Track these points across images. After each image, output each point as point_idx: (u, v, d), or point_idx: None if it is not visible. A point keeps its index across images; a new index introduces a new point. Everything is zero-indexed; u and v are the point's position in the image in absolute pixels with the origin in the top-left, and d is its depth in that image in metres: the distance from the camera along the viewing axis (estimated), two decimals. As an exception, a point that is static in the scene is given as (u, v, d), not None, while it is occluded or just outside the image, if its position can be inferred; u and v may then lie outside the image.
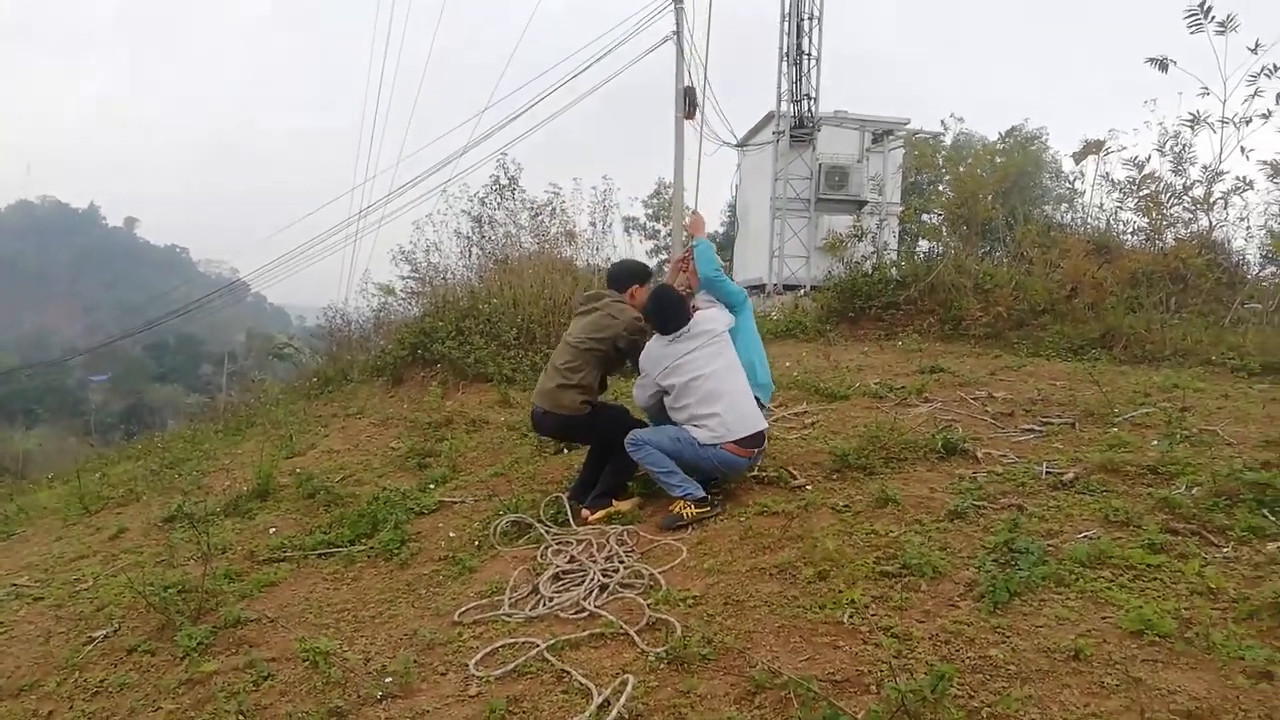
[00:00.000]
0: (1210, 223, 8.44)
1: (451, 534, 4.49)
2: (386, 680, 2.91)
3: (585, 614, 3.26)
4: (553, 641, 3.00)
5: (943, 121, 21.12)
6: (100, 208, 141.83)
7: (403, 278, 11.62)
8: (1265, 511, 3.20)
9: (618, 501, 4.43)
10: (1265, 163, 7.84)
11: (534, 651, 2.95)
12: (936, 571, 3.02)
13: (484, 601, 3.54)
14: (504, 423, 6.83)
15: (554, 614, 3.30)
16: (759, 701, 2.44)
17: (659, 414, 4.45)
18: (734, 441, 4.09)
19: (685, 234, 5.91)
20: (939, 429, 4.72)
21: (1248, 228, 8.47)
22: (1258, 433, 4.34)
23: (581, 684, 2.68)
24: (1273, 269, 8.59)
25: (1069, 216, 12.71)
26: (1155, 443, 4.22)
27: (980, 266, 9.07)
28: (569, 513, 4.42)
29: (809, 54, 14.24)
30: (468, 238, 11.30)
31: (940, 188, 15.98)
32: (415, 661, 3.01)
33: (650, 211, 28.95)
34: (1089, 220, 10.25)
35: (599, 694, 2.58)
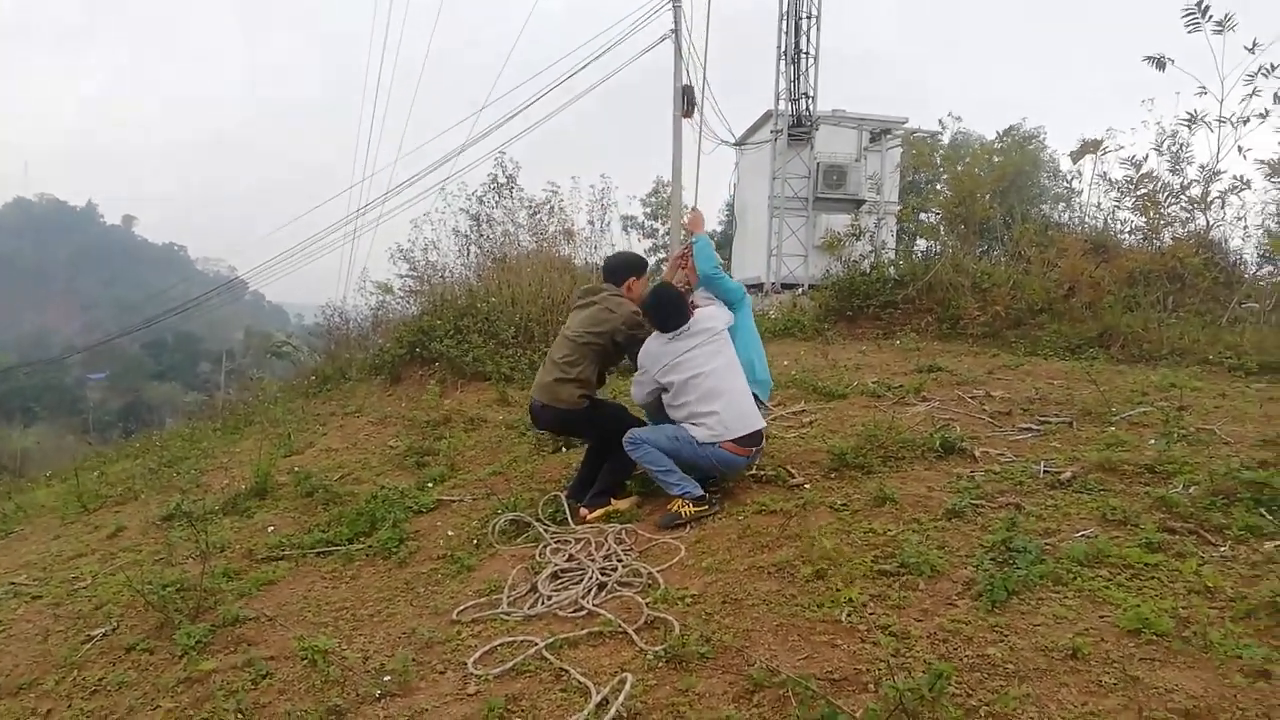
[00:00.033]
0: (1208, 222, 8.47)
1: (450, 532, 4.49)
2: (385, 679, 2.92)
3: (584, 612, 3.26)
4: (551, 640, 3.01)
5: (940, 121, 21.19)
6: (98, 206, 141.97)
7: (401, 276, 11.61)
8: (1262, 510, 3.20)
9: (616, 500, 4.43)
10: (1262, 162, 7.86)
11: (532, 650, 2.95)
12: (934, 570, 3.03)
13: (482, 600, 3.54)
14: (502, 421, 6.83)
15: (552, 612, 3.30)
16: (757, 700, 2.44)
17: (657, 411, 4.46)
18: (732, 440, 4.10)
19: (684, 231, 5.91)
20: (937, 428, 4.73)
21: (1245, 227, 8.51)
22: (1255, 432, 4.34)
23: (580, 682, 2.68)
24: (1270, 268, 8.61)
25: (1066, 216, 12.75)
26: (1153, 442, 4.22)
27: (978, 265, 9.08)
28: (567, 511, 4.42)
29: (807, 53, 14.24)
30: (466, 236, 11.30)
31: (938, 187, 16.01)
32: (414, 660, 3.02)
33: (649, 210, 28.98)
34: (1086, 219, 10.28)
35: (597, 692, 2.58)
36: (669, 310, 4.26)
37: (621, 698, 2.51)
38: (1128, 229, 9.36)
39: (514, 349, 8.41)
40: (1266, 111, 7.47)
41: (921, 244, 12.49)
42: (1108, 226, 9.59)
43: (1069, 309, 8.01)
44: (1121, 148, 9.04)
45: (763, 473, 4.44)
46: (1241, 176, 8.08)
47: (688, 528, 3.98)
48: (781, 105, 14.58)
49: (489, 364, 8.14)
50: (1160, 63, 7.66)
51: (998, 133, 22.42)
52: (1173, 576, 2.82)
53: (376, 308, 12.01)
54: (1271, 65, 7.20)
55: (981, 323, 8.18)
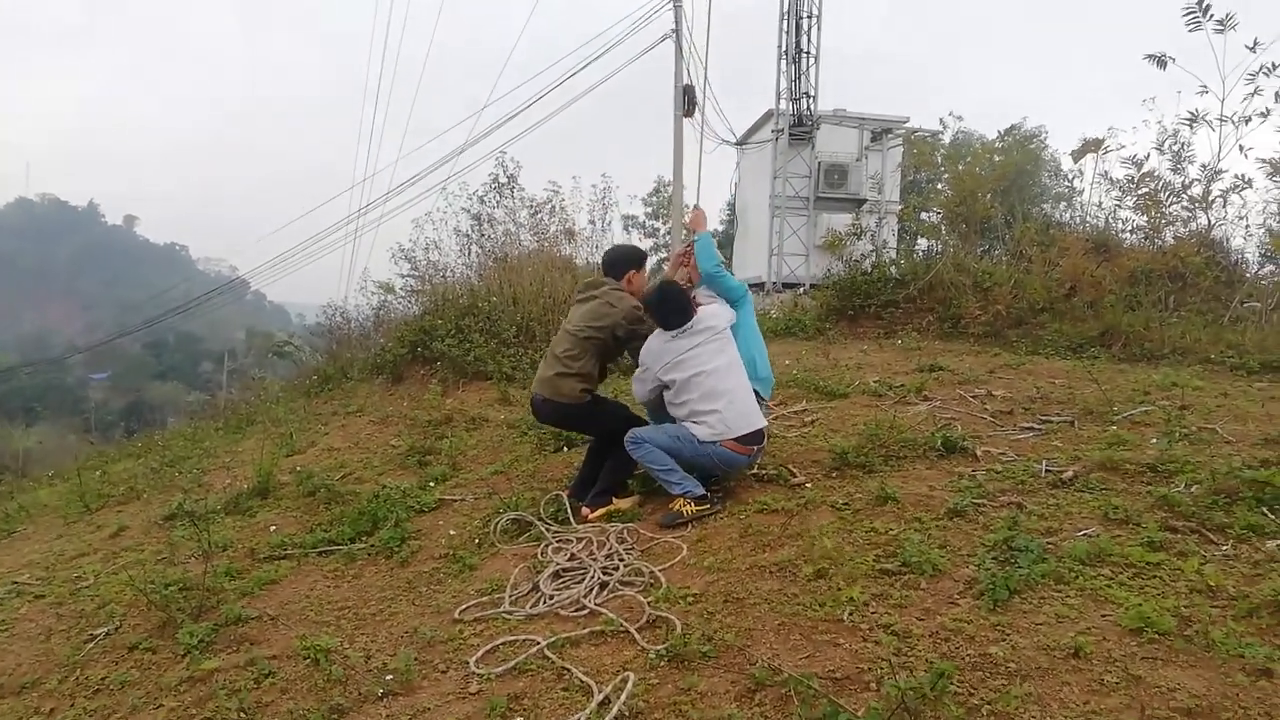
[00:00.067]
0: (1209, 221, 8.46)
1: (452, 532, 4.50)
2: (387, 678, 2.92)
3: (586, 611, 3.26)
4: (553, 639, 3.01)
5: (941, 120, 21.10)
6: (99, 205, 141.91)
7: (402, 276, 11.61)
8: (1264, 509, 3.21)
9: (618, 499, 4.43)
10: (1264, 161, 7.85)
11: (534, 649, 2.96)
12: (936, 569, 3.03)
13: (484, 599, 3.55)
14: (504, 420, 6.83)
15: (554, 611, 3.30)
16: (759, 699, 2.45)
17: (658, 409, 4.46)
18: (734, 439, 4.10)
19: (685, 230, 5.90)
20: (938, 427, 4.73)
21: (1246, 226, 8.48)
22: (1257, 431, 4.34)
23: (582, 681, 2.69)
24: (1271, 267, 8.59)
25: (1068, 215, 12.72)
26: (1154, 441, 4.22)
27: (979, 265, 9.07)
28: (569, 510, 4.42)
29: (808, 52, 14.24)
30: (467, 236, 11.29)
31: (939, 186, 16.00)
32: (416, 659, 3.02)
33: (650, 210, 28.97)
34: (1088, 219, 10.25)
35: (599, 691, 2.58)
36: (672, 308, 4.26)
37: (623, 697, 2.51)
38: (1129, 228, 9.36)
39: (515, 348, 8.41)
40: (1268, 110, 7.47)
41: (923, 243, 12.48)
42: (1109, 226, 9.57)
43: (1070, 308, 8.01)
44: (1123, 147, 9.04)
45: (764, 472, 4.44)
46: (1243, 175, 8.08)
47: (689, 527, 3.98)
48: (782, 104, 14.58)
49: (490, 363, 8.14)
50: (1161, 61, 7.66)
51: (999, 132, 22.40)
52: (1175, 575, 2.82)
53: (378, 307, 12.02)
54: (1273, 64, 7.20)
55: (983, 322, 8.17)
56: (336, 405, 8.91)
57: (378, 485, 5.40)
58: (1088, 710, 2.17)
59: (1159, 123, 8.60)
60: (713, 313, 4.34)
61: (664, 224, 26.93)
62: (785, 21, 14.17)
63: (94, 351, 55.19)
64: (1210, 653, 2.36)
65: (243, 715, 2.81)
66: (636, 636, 2.95)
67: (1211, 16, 7.35)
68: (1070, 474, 3.83)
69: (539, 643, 2.99)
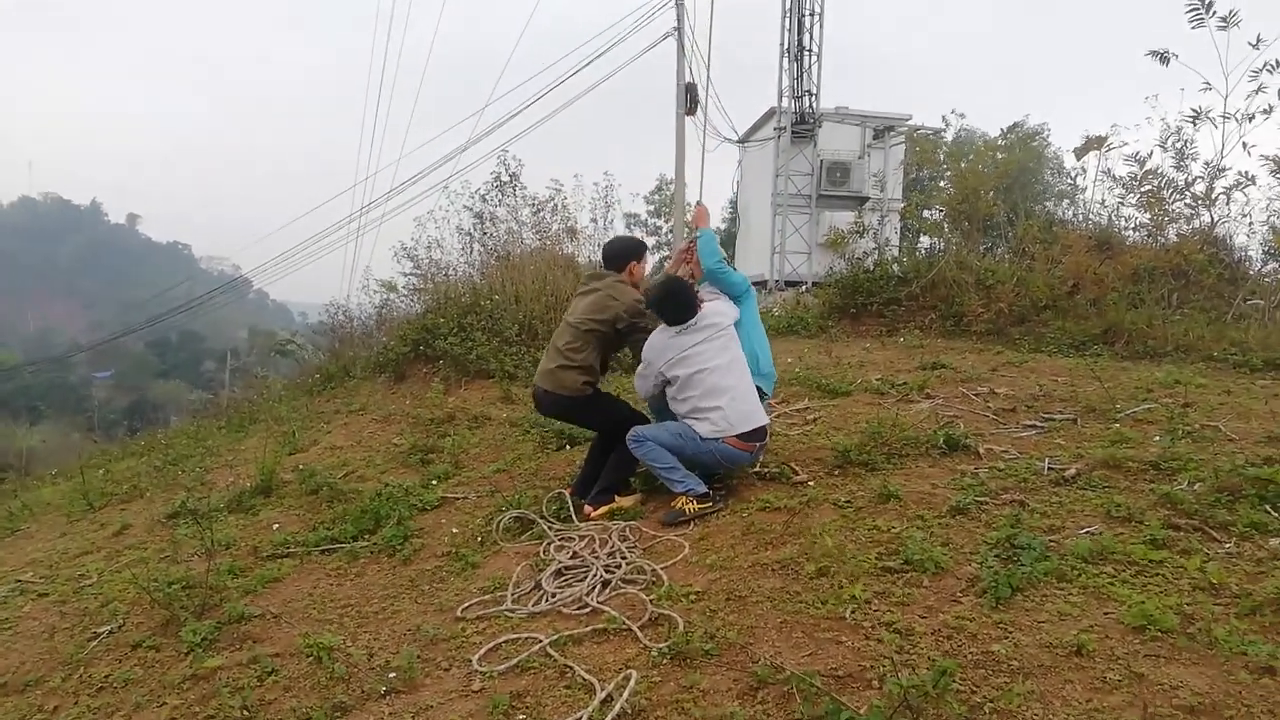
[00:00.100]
0: (1212, 218, 8.43)
1: (454, 530, 4.50)
2: (390, 675, 2.93)
3: (588, 609, 3.26)
4: (555, 637, 3.01)
5: (944, 117, 21.05)
6: (102, 204, 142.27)
7: (405, 274, 11.63)
8: (1267, 507, 3.20)
9: (620, 498, 4.43)
10: (1267, 158, 7.82)
11: (537, 647, 2.96)
12: (938, 567, 3.03)
13: (487, 597, 3.55)
14: (506, 419, 6.83)
15: (557, 609, 3.31)
16: (761, 697, 2.45)
17: (661, 406, 4.46)
18: (736, 436, 4.10)
19: (687, 228, 5.89)
20: (941, 425, 4.73)
21: (1250, 224, 8.43)
22: (1260, 428, 4.33)
23: (584, 679, 2.69)
24: (1275, 265, 8.56)
25: (1070, 212, 12.66)
26: (1157, 439, 4.22)
27: (982, 263, 9.05)
28: (571, 508, 4.43)
29: (810, 50, 14.23)
30: (469, 234, 11.30)
31: (942, 184, 15.95)
32: (418, 657, 3.02)
33: (652, 208, 28.95)
34: (1091, 216, 10.22)
35: (602, 689, 2.58)
36: (676, 303, 4.26)
37: (626, 694, 2.51)
38: (1132, 226, 9.32)
39: (518, 347, 8.41)
40: (1270, 107, 7.44)
41: (925, 241, 12.43)
42: (1112, 223, 9.54)
43: (1073, 306, 7.99)
44: (1126, 144, 8.99)
45: (767, 470, 4.44)
46: (1246, 173, 8.04)
47: (692, 525, 3.99)
48: (785, 102, 14.56)
49: (493, 361, 8.15)
50: (1164, 58, 7.63)
51: (1001, 129, 22.36)
52: (1177, 573, 2.82)
53: (380, 306, 12.04)
54: (1276, 61, 7.16)
55: (985, 320, 8.16)
56: (339, 404, 8.92)
57: (380, 483, 5.41)
58: (1090, 708, 2.17)
59: (1162, 120, 8.57)
60: (716, 309, 4.34)
61: (666, 222, 26.91)
62: (787, 19, 14.16)
63: (97, 350, 55.34)
64: (1213, 650, 2.36)
65: (246, 713, 2.82)
66: (639, 634, 2.96)
67: (1214, 13, 7.32)
68: (1073, 472, 3.82)
69: (541, 640, 2.99)
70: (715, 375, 4.14)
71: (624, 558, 3.69)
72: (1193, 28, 7.42)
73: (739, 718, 2.33)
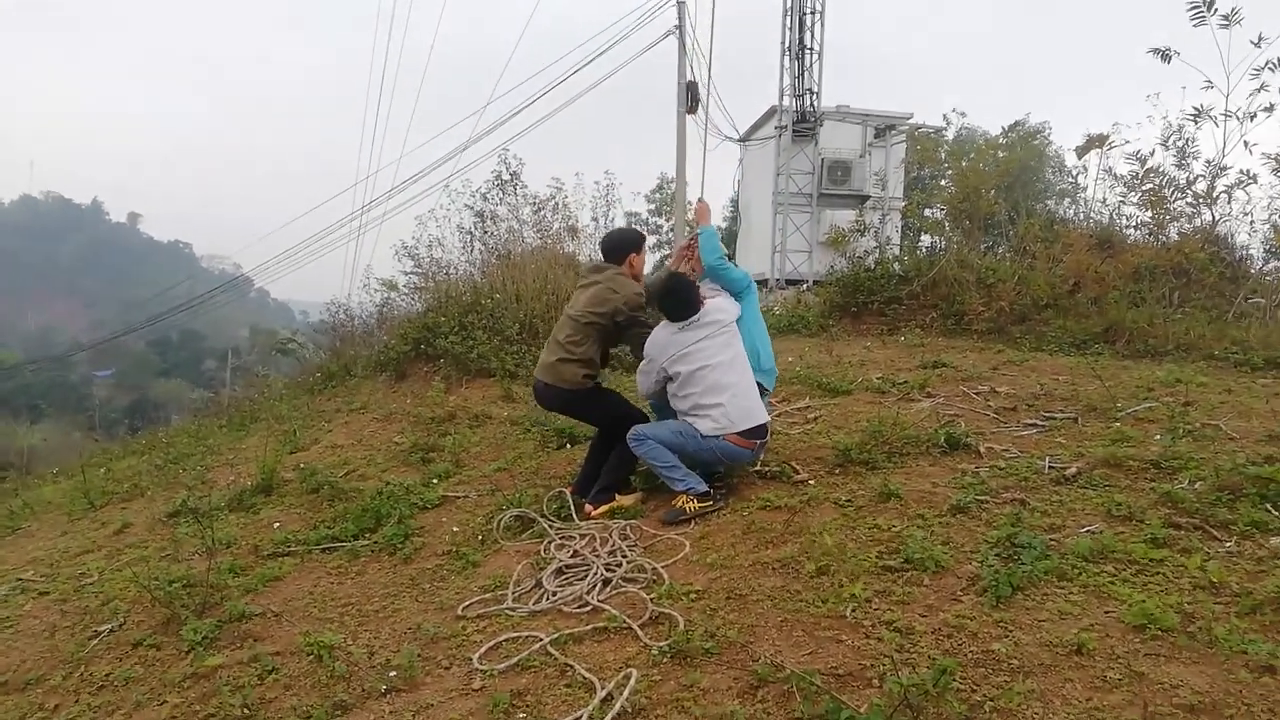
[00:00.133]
0: (1213, 217, 8.43)
1: (455, 528, 4.50)
2: (390, 674, 2.93)
3: (588, 608, 3.26)
4: (556, 635, 3.01)
5: (945, 116, 21.04)
6: (104, 203, 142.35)
7: (405, 273, 11.64)
8: (1268, 506, 3.20)
9: (621, 496, 4.43)
10: (1269, 156, 7.82)
11: (537, 645, 2.96)
12: (939, 566, 3.03)
13: (487, 596, 3.55)
14: (507, 418, 6.84)
15: (557, 608, 3.31)
16: (761, 695, 2.45)
17: (661, 403, 4.46)
18: (737, 433, 4.10)
19: (688, 226, 5.89)
20: (941, 424, 4.72)
21: (1251, 222, 8.45)
22: (1261, 427, 4.33)
23: (585, 678, 2.69)
24: (1276, 263, 8.56)
25: (1072, 211, 12.68)
26: (1158, 437, 4.21)
27: (983, 261, 9.05)
28: (572, 507, 4.43)
29: (811, 48, 14.23)
30: (470, 233, 11.30)
31: (943, 182, 15.94)
32: (419, 655, 3.02)
33: (653, 206, 28.94)
34: (1092, 215, 10.23)
35: (602, 688, 2.58)
36: (679, 300, 4.25)
37: (626, 693, 2.51)
38: (1133, 224, 9.33)
39: (519, 345, 8.42)
40: (1272, 106, 7.44)
41: (926, 240, 12.44)
42: (1113, 222, 9.55)
43: (1074, 304, 7.99)
44: (1127, 142, 9.01)
45: (767, 469, 4.44)
46: (1248, 171, 8.06)
47: (692, 523, 3.98)
48: (786, 101, 14.55)
49: (494, 360, 8.15)
50: (1166, 55, 7.63)
51: (1002, 128, 22.32)
52: (1178, 572, 2.82)
53: (381, 305, 12.05)
54: (1278, 60, 7.16)
55: (986, 318, 8.16)
56: (340, 402, 8.92)
57: (381, 482, 5.41)
58: (1090, 707, 2.17)
59: (1163, 118, 8.59)
60: (719, 306, 4.34)
61: (667, 220, 26.91)
62: (789, 18, 14.16)
63: (98, 349, 55.38)
64: (1213, 649, 2.36)
65: (246, 711, 2.82)
66: (639, 633, 2.96)
67: (1216, 11, 7.32)
68: (1073, 471, 3.82)
69: (542, 639, 2.99)
70: (717, 372, 4.13)
71: (624, 556, 3.69)
72: (1194, 26, 7.42)
73: (739, 716, 2.33)
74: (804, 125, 14.55)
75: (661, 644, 2.81)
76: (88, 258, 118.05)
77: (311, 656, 3.13)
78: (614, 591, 3.38)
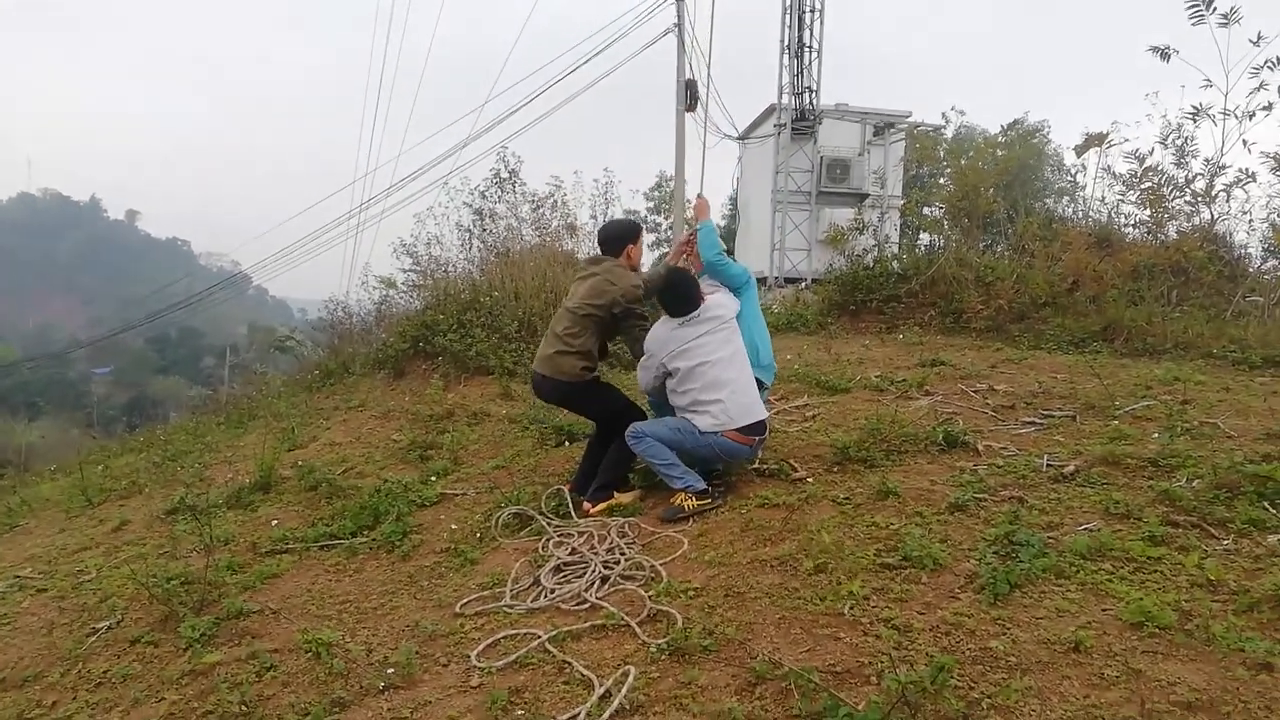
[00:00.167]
0: (1212, 216, 8.43)
1: (453, 526, 4.50)
2: (389, 671, 2.93)
3: (587, 605, 3.26)
4: (554, 633, 3.01)
5: (944, 114, 21.11)
6: (101, 200, 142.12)
7: (404, 271, 11.64)
8: (1266, 504, 3.21)
9: (619, 494, 4.43)
10: (1267, 155, 7.82)
11: (535, 643, 2.96)
12: (937, 564, 3.03)
13: (485, 593, 3.55)
14: (505, 415, 6.83)
15: (555, 605, 3.31)
16: (760, 692, 2.45)
17: (660, 399, 4.46)
18: (736, 429, 4.10)
19: (687, 224, 5.89)
20: (940, 422, 4.73)
21: (1250, 221, 8.45)
22: (1259, 426, 4.34)
23: (583, 675, 2.69)
24: (1274, 262, 8.57)
25: (1070, 209, 12.68)
26: (1156, 435, 4.22)
27: (981, 259, 9.05)
28: (570, 505, 4.42)
29: (810, 46, 14.24)
30: (469, 230, 11.30)
31: (942, 181, 15.95)
32: (417, 653, 3.02)
33: (652, 204, 28.98)
34: (1090, 213, 10.24)
35: (600, 685, 2.59)
36: (680, 295, 4.25)
37: (624, 690, 2.51)
38: (1132, 223, 9.34)
39: (517, 343, 8.41)
40: (1271, 104, 7.43)
41: (925, 238, 12.45)
42: (1112, 220, 9.56)
43: (1073, 303, 8.00)
44: (1126, 141, 9.00)
45: (765, 467, 4.44)
46: (1246, 170, 8.05)
47: (690, 521, 3.98)
48: (785, 99, 14.56)
49: (492, 358, 8.15)
50: (1165, 54, 7.63)
51: (1002, 126, 22.38)
52: (1175, 570, 2.82)
53: (380, 302, 12.05)
54: (1277, 58, 7.16)
55: (985, 317, 8.16)
56: (338, 400, 8.92)
57: (379, 480, 5.41)
58: (1088, 704, 2.17)
59: (1163, 117, 8.58)
60: (719, 302, 4.33)
61: (666, 218, 26.93)
62: (788, 15, 14.16)
63: (96, 346, 55.37)
64: (1211, 647, 2.36)
65: (244, 708, 2.82)
66: (637, 630, 2.96)
67: (1215, 10, 7.32)
68: (1071, 469, 3.83)
69: (540, 636, 2.99)
70: (717, 368, 4.13)
71: (623, 554, 3.69)
72: (1193, 24, 7.42)
73: (737, 713, 2.33)
74: (803, 123, 14.56)
75: (660, 641, 2.81)
76: (86, 255, 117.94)
77: (309, 654, 3.13)
78: (612, 589, 3.38)
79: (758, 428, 4.18)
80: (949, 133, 20.00)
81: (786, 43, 14.28)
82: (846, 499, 3.82)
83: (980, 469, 3.99)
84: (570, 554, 3.77)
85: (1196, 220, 8.54)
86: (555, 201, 11.10)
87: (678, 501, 4.06)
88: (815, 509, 3.77)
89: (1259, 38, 7.23)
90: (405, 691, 2.81)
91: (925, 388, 5.83)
